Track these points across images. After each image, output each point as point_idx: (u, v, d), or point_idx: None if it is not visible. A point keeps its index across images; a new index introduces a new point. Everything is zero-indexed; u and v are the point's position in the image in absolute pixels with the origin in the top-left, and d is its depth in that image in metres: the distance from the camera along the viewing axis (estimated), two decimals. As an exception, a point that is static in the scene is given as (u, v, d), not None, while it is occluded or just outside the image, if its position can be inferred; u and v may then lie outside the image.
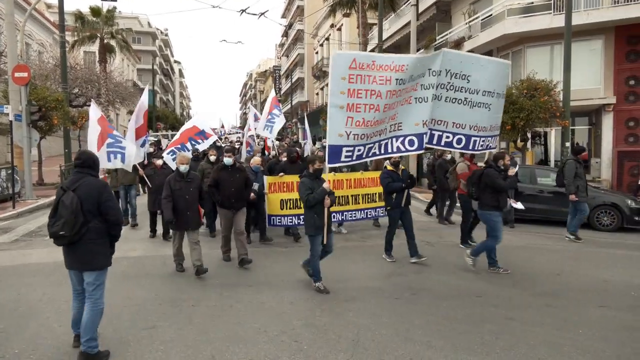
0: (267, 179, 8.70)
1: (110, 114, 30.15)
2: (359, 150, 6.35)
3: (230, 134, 31.34)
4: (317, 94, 47.53)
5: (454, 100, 6.86)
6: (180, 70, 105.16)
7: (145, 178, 9.00)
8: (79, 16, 27.59)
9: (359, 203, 9.39)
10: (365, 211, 9.52)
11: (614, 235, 10.06)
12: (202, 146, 10.41)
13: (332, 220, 8.24)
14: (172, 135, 25.44)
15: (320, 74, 44.77)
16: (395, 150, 6.74)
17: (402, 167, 7.62)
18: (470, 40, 20.09)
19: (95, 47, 29.41)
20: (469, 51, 20.15)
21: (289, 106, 51.92)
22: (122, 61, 41.81)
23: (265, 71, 79.13)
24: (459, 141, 7.06)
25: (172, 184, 6.62)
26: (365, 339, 4.53)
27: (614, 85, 16.81)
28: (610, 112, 16.90)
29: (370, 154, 6.59)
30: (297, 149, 12.61)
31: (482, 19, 19.63)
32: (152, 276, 6.52)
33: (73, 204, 3.85)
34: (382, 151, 6.69)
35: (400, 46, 28.44)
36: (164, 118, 54.79)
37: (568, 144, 13.72)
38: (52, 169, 18.56)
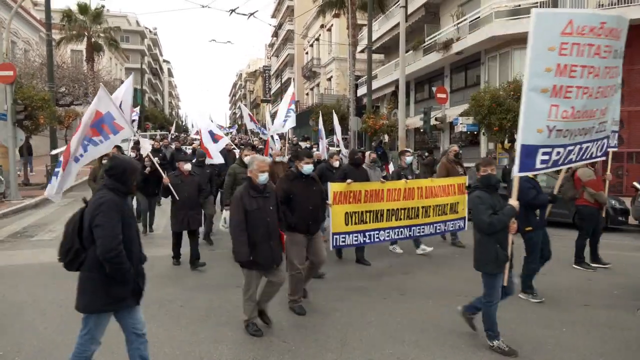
0: (331, 187, 6.79)
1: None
2: (557, 154, 4.57)
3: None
4: (307, 94, 47.56)
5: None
6: (169, 70, 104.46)
7: (172, 188, 6.91)
8: (66, 14, 27.25)
9: (429, 216, 7.77)
10: (435, 225, 7.89)
11: (599, 235, 10.20)
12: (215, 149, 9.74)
13: (396, 237, 7.54)
14: (163, 136, 25.25)
15: (310, 74, 44.80)
16: (590, 156, 5.06)
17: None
18: (458, 42, 20.26)
19: (82, 46, 29.08)
20: (457, 53, 20.39)
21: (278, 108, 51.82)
22: (110, 60, 41.44)
23: (255, 71, 78.95)
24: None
25: (247, 203, 4.55)
26: (353, 338, 4.56)
27: (599, 88, 17.05)
28: (596, 114, 17.14)
29: (566, 160, 4.76)
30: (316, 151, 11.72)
31: (470, 21, 19.81)
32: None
33: (70, 224, 3.34)
34: (579, 157, 4.90)
35: (389, 47, 28.63)
36: (152, 118, 54.41)
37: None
38: (37, 169, 18.32)
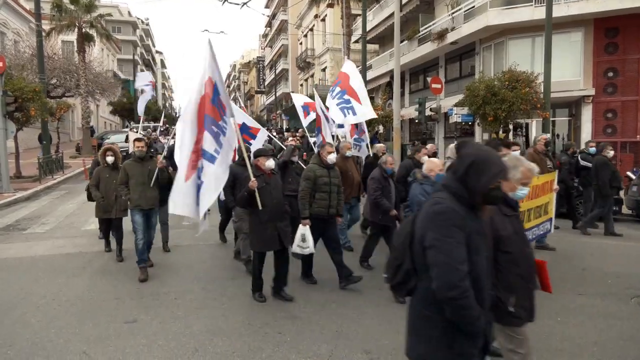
0: None
1: (90, 105, 29.53)
2: None
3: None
4: (302, 85, 47.31)
5: None
6: (162, 61, 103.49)
7: (257, 194, 5.11)
8: (56, 4, 26.82)
9: (530, 220, 6.32)
10: (532, 230, 6.37)
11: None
12: (255, 145, 7.70)
13: None
14: (155, 128, 24.88)
15: (305, 65, 44.54)
16: None
17: None
18: (453, 32, 20.17)
19: (73, 37, 28.70)
20: (452, 43, 20.32)
21: (273, 97, 51.57)
22: (101, 51, 40.97)
23: (249, 62, 78.32)
24: None
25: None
26: (349, 330, 4.56)
27: (593, 77, 17.08)
28: (590, 104, 17.19)
29: None
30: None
31: (465, 11, 19.71)
32: (133, 269, 6.42)
33: (401, 234, 2.39)
34: None
35: (384, 37, 28.45)
36: (145, 109, 53.93)
37: (549, 135, 13.92)
38: (29, 162, 18.15)
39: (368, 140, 9.47)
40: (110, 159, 6.90)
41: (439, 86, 17.45)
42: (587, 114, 17.30)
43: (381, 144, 9.62)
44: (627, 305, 5.30)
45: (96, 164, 7.84)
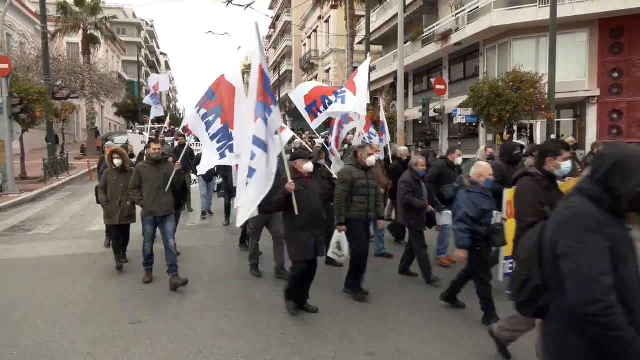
0: (507, 194, 4.78)
1: (94, 107, 29.64)
2: None
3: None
4: (305, 86, 47.25)
5: None
6: (166, 62, 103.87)
7: (294, 198, 4.72)
8: (61, 6, 26.98)
9: None
10: None
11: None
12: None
13: None
14: (160, 129, 24.82)
15: (308, 66, 44.56)
16: None
17: None
18: (457, 33, 20.14)
19: (78, 38, 28.87)
20: (456, 44, 20.30)
21: (277, 98, 51.63)
22: (106, 53, 41.14)
23: (253, 63, 78.40)
24: None
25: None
26: (353, 331, 4.55)
27: (598, 78, 17.01)
28: (595, 105, 17.12)
29: None
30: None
31: (469, 11, 19.69)
32: (137, 271, 6.44)
33: (526, 242, 2.14)
34: None
35: (387, 39, 28.45)
36: (150, 111, 54.10)
37: (553, 136, 13.87)
38: (35, 163, 18.24)
39: (387, 143, 8.76)
40: (117, 162, 6.58)
41: (442, 87, 17.42)
42: (592, 115, 17.22)
43: (404, 147, 8.99)
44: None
45: (104, 165, 7.66)
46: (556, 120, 15.60)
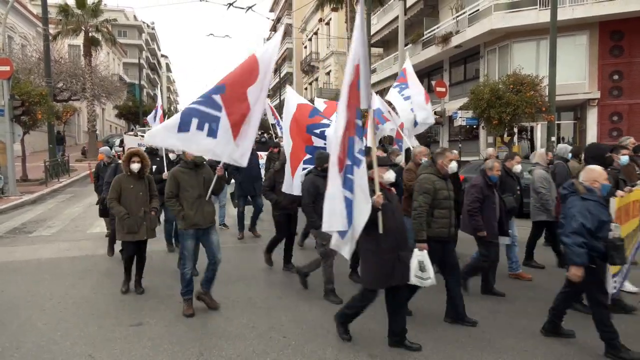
0: (616, 202, 4.37)
1: (95, 109, 29.68)
2: None
3: None
4: (306, 88, 47.39)
5: None
6: (167, 65, 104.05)
7: (379, 214, 4.03)
8: (63, 8, 27.07)
9: (631, 242, 4.94)
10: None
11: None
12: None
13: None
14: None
15: (309, 68, 44.62)
16: None
17: None
18: (457, 35, 20.18)
19: (79, 41, 28.96)
20: (456, 46, 20.34)
21: (278, 101, 51.70)
22: (107, 55, 41.24)
23: (253, 65, 78.49)
24: None
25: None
26: (354, 333, 4.54)
27: (598, 80, 17.03)
28: (595, 107, 17.14)
29: None
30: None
31: (469, 14, 19.73)
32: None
33: None
34: None
35: (388, 41, 28.50)
36: (150, 113, 54.22)
37: (554, 138, 13.89)
38: (36, 165, 18.27)
39: (409, 145, 7.93)
40: (135, 167, 5.60)
41: (443, 89, 17.44)
42: (592, 117, 17.24)
43: (421, 148, 8.07)
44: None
45: (110, 169, 7.16)
46: (557, 122, 15.62)
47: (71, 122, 32.13)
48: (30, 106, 14.89)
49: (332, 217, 3.70)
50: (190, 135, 4.73)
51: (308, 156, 5.37)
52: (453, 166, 4.87)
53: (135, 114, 41.94)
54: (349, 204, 3.72)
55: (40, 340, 4.38)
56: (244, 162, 5.08)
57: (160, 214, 6.05)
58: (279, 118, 15.87)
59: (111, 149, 10.29)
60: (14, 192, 13.68)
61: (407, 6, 22.23)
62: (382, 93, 30.43)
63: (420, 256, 4.36)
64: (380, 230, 3.96)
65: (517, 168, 6.27)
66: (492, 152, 7.22)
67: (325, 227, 3.76)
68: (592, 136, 17.12)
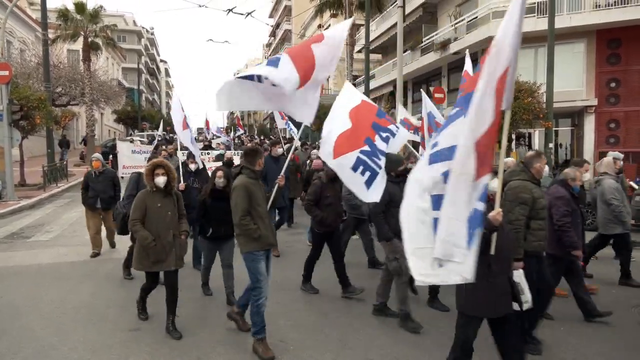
0: None
1: (94, 114, 29.70)
2: None
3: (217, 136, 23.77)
4: (304, 94, 47.42)
5: None
6: (166, 70, 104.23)
7: (494, 234, 3.50)
8: (62, 13, 27.15)
9: None
10: None
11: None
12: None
13: None
14: (153, 137, 24.12)
15: (308, 74, 44.70)
16: None
17: None
18: (456, 42, 20.29)
19: (79, 46, 29.02)
20: (455, 53, 20.46)
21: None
22: (106, 60, 41.30)
23: (252, 71, 78.75)
24: None
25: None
26: (352, 338, 4.56)
27: (596, 88, 17.14)
28: (592, 114, 17.23)
29: None
30: None
31: (467, 21, 19.85)
32: (137, 277, 6.44)
33: None
34: None
35: (387, 47, 28.62)
36: (149, 118, 54.29)
37: (552, 145, 13.95)
38: (34, 170, 18.24)
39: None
40: (161, 180, 4.59)
41: (441, 96, 17.52)
42: (589, 124, 17.33)
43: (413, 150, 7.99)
44: (631, 315, 5.28)
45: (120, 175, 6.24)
46: (554, 129, 15.68)
47: (70, 127, 32.05)
48: (28, 111, 14.87)
49: (450, 242, 2.91)
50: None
51: (367, 147, 4.63)
52: (545, 170, 4.24)
53: (134, 119, 41.97)
54: (474, 221, 2.91)
55: (39, 346, 4.37)
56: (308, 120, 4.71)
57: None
58: (287, 119, 15.73)
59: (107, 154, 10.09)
60: (12, 197, 13.64)
61: (406, 13, 22.33)
62: (380, 99, 30.56)
63: (517, 276, 3.72)
64: (492, 252, 3.25)
65: (586, 176, 5.65)
66: (511, 162, 6.37)
67: (438, 253, 2.95)
68: (589, 143, 17.21)
